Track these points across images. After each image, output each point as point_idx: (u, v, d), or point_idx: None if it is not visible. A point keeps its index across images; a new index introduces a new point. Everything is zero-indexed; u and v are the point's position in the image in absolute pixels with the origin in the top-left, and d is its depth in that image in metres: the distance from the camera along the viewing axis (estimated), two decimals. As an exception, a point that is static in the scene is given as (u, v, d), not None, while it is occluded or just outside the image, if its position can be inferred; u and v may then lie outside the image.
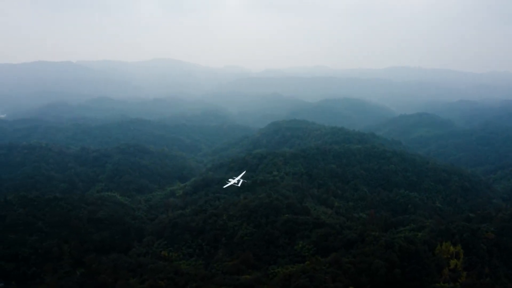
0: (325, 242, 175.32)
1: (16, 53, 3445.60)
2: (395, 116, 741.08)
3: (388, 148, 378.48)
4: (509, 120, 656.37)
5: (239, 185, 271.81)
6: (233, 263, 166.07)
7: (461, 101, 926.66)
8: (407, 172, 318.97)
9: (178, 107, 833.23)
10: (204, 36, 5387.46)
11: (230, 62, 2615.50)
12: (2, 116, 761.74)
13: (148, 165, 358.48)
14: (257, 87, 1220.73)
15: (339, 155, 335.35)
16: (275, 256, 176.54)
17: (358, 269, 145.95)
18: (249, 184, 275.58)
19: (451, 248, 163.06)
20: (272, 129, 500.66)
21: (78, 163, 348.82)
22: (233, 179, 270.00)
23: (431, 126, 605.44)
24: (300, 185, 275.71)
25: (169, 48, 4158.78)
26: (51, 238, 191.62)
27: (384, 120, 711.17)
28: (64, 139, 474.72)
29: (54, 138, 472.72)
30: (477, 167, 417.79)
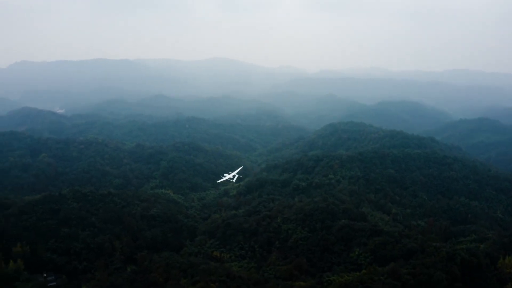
0: (383, 250, 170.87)
1: (76, 51, 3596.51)
2: (454, 120, 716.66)
3: (448, 154, 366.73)
4: None
5: (233, 180, 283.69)
6: (286, 268, 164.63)
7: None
8: (467, 179, 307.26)
9: (233, 106, 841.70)
10: (260, 35, 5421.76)
11: (285, 62, 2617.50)
12: (61, 111, 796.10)
13: (202, 164, 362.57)
14: (312, 87, 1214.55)
15: (398, 159, 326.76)
16: (330, 263, 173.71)
17: (417, 281, 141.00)
18: (304, 186, 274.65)
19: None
20: (328, 130, 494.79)
21: (133, 159, 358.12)
22: (229, 174, 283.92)
23: (491, 132, 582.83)
24: (357, 190, 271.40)
25: (226, 48, 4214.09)
26: (103, 234, 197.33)
27: (442, 125, 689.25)
28: (120, 135, 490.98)
29: (110, 134, 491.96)
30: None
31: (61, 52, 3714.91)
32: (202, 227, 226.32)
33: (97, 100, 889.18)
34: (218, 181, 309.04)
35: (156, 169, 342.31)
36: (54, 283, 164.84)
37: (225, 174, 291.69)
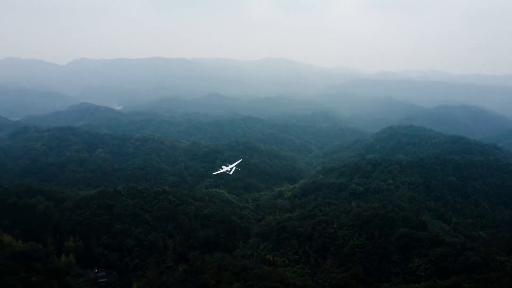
0: (444, 262, 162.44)
1: (134, 49, 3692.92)
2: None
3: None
4: None
5: (231, 173, 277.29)
6: (341, 276, 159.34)
7: None
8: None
9: (289, 107, 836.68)
10: (317, 36, 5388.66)
11: (342, 62, 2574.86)
12: (118, 108, 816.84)
13: (257, 164, 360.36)
14: (369, 89, 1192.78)
15: (459, 166, 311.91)
16: (387, 273, 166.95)
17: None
18: (362, 191, 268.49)
19: None
20: (387, 134, 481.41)
21: (188, 157, 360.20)
22: (227, 166, 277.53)
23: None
24: (416, 197, 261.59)
25: (282, 48, 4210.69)
26: (156, 231, 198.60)
27: (504, 131, 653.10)
28: (176, 133, 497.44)
29: (166, 131, 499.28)
30: None
31: (119, 50, 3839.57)
32: (256, 229, 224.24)
33: (153, 98, 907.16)
34: (214, 173, 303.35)
35: (211, 168, 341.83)
36: (105, 279, 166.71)
37: (222, 166, 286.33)
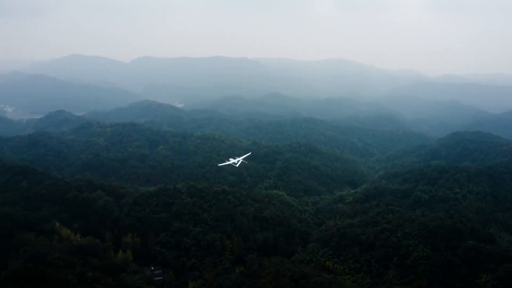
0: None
1: (197, 48, 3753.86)
2: None
3: None
4: None
5: (237, 165, 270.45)
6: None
7: None
8: None
9: (351, 108, 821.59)
10: (380, 37, 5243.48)
11: (406, 65, 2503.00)
12: (180, 105, 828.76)
13: (318, 166, 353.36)
14: (434, 92, 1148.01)
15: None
16: (453, 287, 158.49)
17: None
18: (427, 199, 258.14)
19: None
20: (453, 140, 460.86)
21: (249, 157, 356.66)
22: (234, 159, 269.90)
23: None
24: (484, 207, 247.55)
25: (344, 48, 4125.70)
26: (214, 232, 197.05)
27: None
28: (236, 132, 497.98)
29: (227, 130, 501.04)
30: None
31: (182, 48, 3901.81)
32: (316, 233, 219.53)
33: (214, 97, 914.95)
34: (219, 164, 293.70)
35: (271, 169, 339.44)
36: (161, 278, 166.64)
37: (230, 158, 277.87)
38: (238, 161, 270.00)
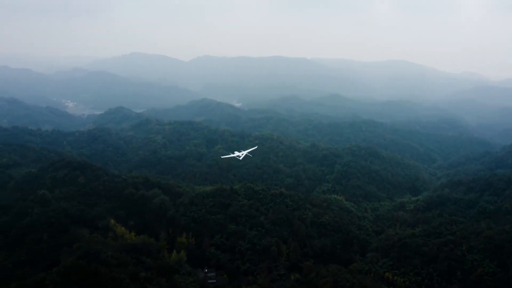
0: None
1: (256, 48, 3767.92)
2: None
3: None
4: None
5: (241, 158, 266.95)
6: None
7: None
8: None
9: (411, 112, 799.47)
10: (441, 38, 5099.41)
11: (469, 68, 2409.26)
12: (238, 105, 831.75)
13: (378, 171, 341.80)
14: (498, 97, 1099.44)
15: None
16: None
17: None
18: (492, 210, 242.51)
19: None
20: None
21: (307, 159, 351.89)
22: (239, 152, 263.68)
23: None
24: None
25: (404, 50, 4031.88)
26: (270, 236, 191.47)
27: None
28: (295, 132, 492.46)
29: (285, 131, 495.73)
30: None
31: (241, 48, 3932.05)
32: (375, 242, 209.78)
33: (272, 96, 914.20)
34: (222, 157, 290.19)
35: (330, 172, 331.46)
36: (214, 281, 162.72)
37: (235, 151, 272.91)
38: (242, 154, 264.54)
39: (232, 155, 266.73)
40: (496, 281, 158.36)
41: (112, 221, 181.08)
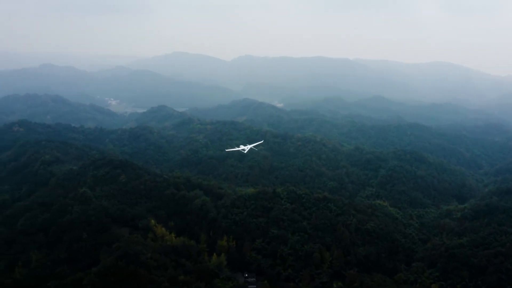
0: None
1: (298, 48, 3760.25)
2: None
3: None
4: None
5: (245, 151, 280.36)
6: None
7: None
8: None
9: (456, 115, 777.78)
10: (488, 40, 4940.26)
11: None
12: (280, 105, 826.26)
13: (424, 177, 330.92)
14: None
15: None
16: None
17: None
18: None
19: None
20: None
21: (350, 162, 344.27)
22: (245, 145, 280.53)
23: None
24: None
25: (449, 51, 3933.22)
26: (313, 242, 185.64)
27: None
28: (337, 135, 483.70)
29: (328, 133, 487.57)
30: None
31: (283, 48, 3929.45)
32: (421, 251, 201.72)
33: (314, 97, 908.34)
34: (227, 150, 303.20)
35: (374, 177, 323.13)
36: (254, 286, 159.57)
37: (240, 145, 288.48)
38: (247, 147, 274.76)
39: (237, 149, 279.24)
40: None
41: (153, 221, 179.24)
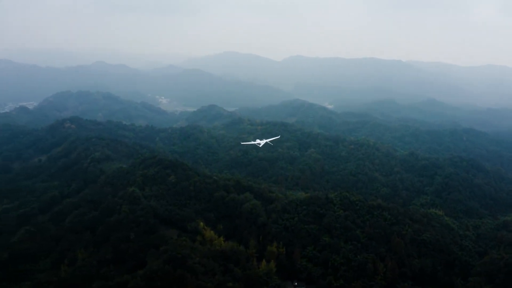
0: None
1: (349, 49, 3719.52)
2: None
3: None
4: None
5: (260, 146, 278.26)
6: None
7: None
8: None
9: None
10: None
11: None
12: (330, 106, 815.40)
13: (481, 185, 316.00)
14: None
15: None
16: None
17: None
18: None
19: None
20: None
21: (404, 168, 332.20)
22: (261, 140, 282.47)
23: None
24: None
25: (506, 54, 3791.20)
26: (366, 251, 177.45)
27: None
28: (391, 139, 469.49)
29: (381, 136, 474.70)
30: None
31: (334, 49, 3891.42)
32: (478, 265, 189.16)
33: (365, 99, 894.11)
34: (242, 143, 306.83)
35: (429, 184, 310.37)
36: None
37: (256, 139, 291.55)
38: (263, 142, 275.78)
39: (252, 143, 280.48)
40: None
41: (201, 223, 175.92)
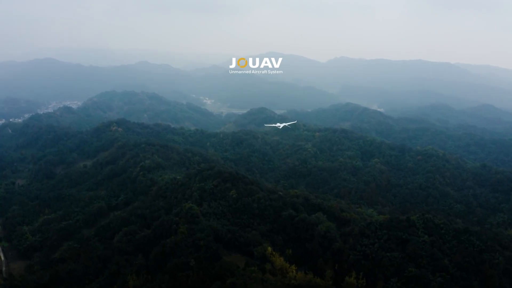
0: None
1: (395, 51, 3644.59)
2: None
3: None
4: None
5: (280, 127, 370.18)
6: None
7: None
8: None
9: None
10: None
11: None
12: (380, 110, 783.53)
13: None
14: None
15: None
16: None
17: None
18: None
19: None
20: None
21: (477, 182, 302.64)
22: (280, 123, 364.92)
23: None
24: None
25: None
26: (458, 285, 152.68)
27: None
28: (454, 148, 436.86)
29: (443, 145, 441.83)
30: None
31: (380, 50, 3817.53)
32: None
33: (414, 102, 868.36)
34: (265, 124, 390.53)
35: (505, 201, 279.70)
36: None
37: (277, 123, 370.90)
38: (282, 125, 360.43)
39: (273, 125, 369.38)
40: None
41: (269, 248, 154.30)
